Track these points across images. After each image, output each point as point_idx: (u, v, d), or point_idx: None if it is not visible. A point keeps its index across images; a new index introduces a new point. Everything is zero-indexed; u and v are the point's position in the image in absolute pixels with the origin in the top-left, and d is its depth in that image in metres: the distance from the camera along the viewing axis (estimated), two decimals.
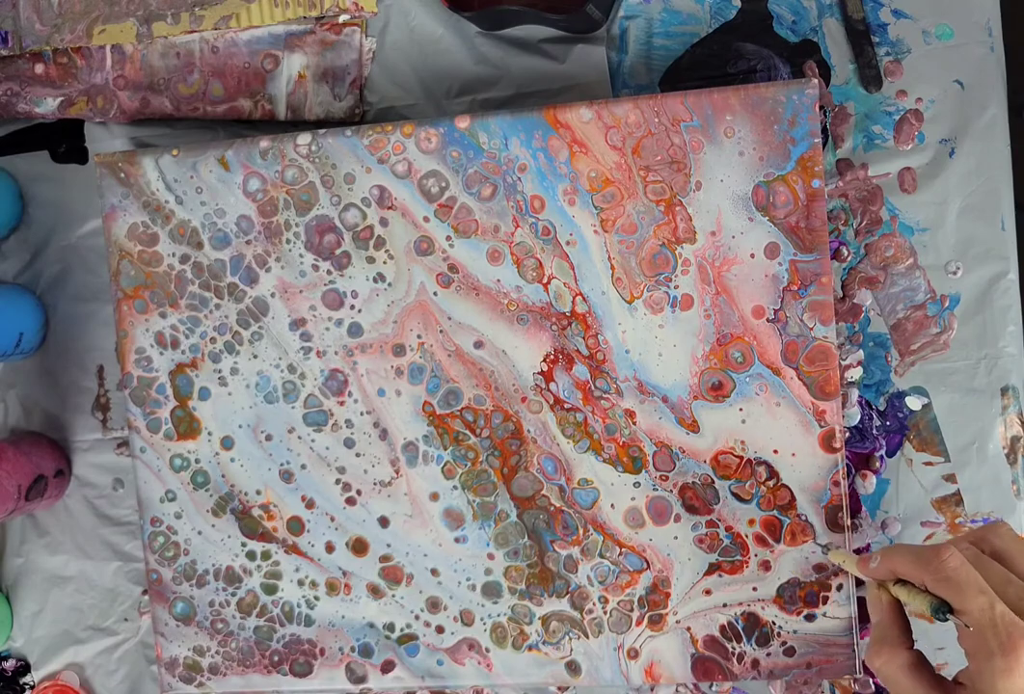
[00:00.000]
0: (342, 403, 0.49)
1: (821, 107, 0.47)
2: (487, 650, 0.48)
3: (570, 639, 0.47)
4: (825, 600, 0.45)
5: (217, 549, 0.50)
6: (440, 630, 0.48)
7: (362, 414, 0.48)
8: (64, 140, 0.56)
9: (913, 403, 0.47)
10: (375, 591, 0.49)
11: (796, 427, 0.45)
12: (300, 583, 0.49)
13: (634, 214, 0.45)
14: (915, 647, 0.38)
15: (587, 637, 0.47)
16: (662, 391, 0.46)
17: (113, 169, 0.50)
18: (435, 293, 0.47)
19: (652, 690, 0.49)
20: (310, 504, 0.49)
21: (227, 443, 0.50)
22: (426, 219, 0.47)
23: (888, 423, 0.47)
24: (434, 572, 0.48)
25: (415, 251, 0.47)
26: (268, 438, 0.49)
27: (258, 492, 0.50)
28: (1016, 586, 0.35)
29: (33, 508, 0.54)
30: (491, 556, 0.48)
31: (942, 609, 0.35)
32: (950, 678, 0.36)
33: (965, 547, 0.37)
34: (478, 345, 0.47)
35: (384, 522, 0.48)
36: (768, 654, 0.45)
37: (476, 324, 0.47)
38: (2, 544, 0.57)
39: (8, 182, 0.55)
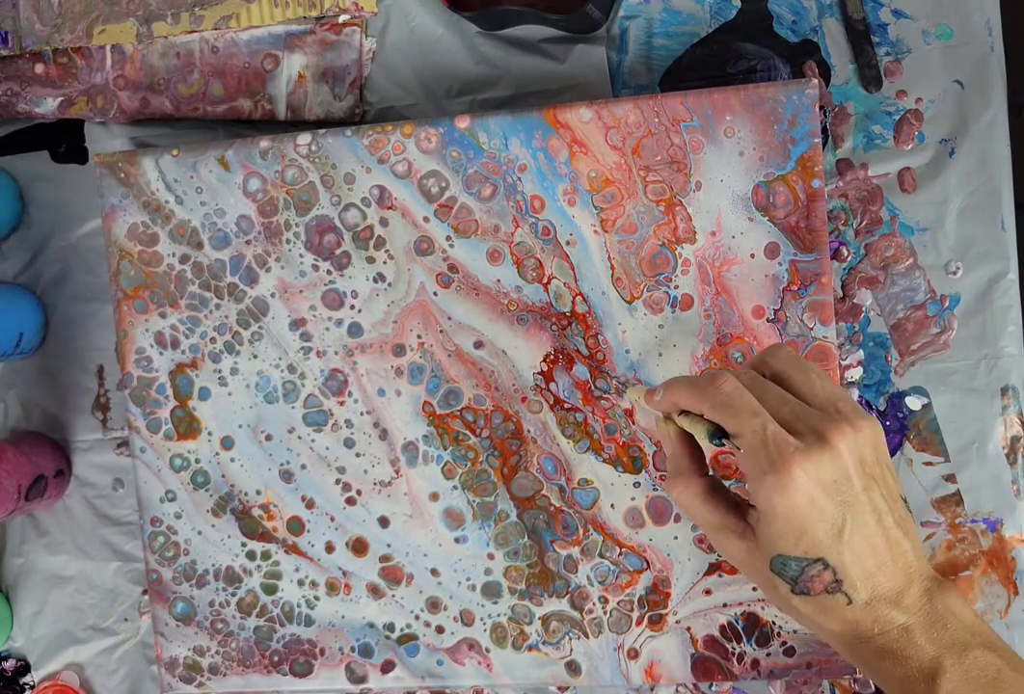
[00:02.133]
0: (342, 403, 0.49)
1: (821, 107, 0.47)
2: (487, 650, 0.48)
3: (570, 639, 0.47)
4: None
5: (217, 549, 0.50)
6: (440, 630, 0.48)
7: (362, 414, 0.48)
8: (64, 140, 0.56)
9: (913, 403, 0.47)
10: (375, 591, 0.49)
11: None
12: (300, 583, 0.49)
13: (634, 214, 0.45)
14: (710, 474, 0.38)
15: (587, 637, 0.47)
16: None
17: (113, 169, 0.50)
18: (435, 293, 0.47)
19: (652, 690, 0.49)
20: (310, 504, 0.49)
21: (227, 443, 0.50)
22: (426, 219, 0.47)
23: (888, 423, 0.47)
24: (434, 572, 0.48)
25: (415, 251, 0.47)
26: (268, 438, 0.49)
27: (258, 492, 0.50)
28: (792, 405, 0.35)
29: (33, 508, 0.54)
30: (491, 556, 0.48)
31: (717, 434, 0.35)
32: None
33: (743, 372, 0.37)
34: (478, 345, 0.47)
35: (384, 522, 0.48)
36: (768, 654, 0.45)
37: (476, 324, 0.47)
38: (2, 544, 0.57)
39: (8, 182, 0.55)
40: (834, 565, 0.34)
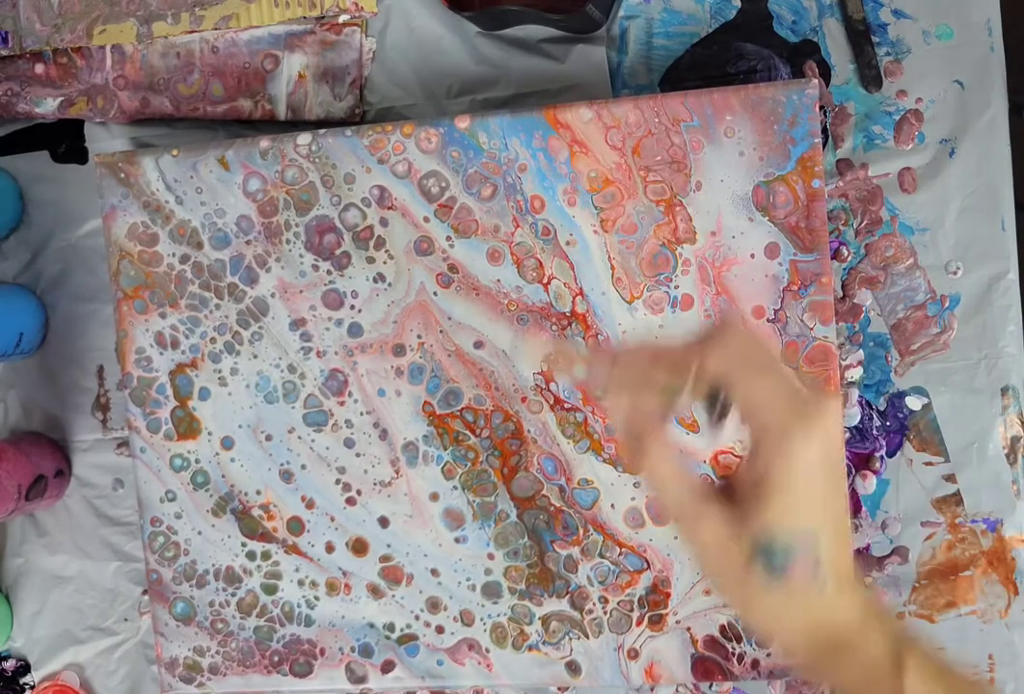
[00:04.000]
0: (342, 403, 0.49)
1: (821, 107, 0.47)
2: (487, 650, 0.48)
3: (570, 639, 0.47)
4: None
5: (217, 549, 0.50)
6: (440, 630, 0.48)
7: (362, 414, 0.48)
8: (64, 140, 0.56)
9: (913, 403, 0.47)
10: (375, 591, 0.49)
11: None
12: (300, 583, 0.49)
13: (634, 214, 0.45)
14: None
15: (587, 637, 0.47)
16: None
17: (113, 169, 0.50)
18: (435, 293, 0.47)
19: (652, 690, 0.49)
20: (310, 504, 0.49)
21: (227, 443, 0.50)
22: (426, 219, 0.47)
23: (888, 423, 0.47)
24: (434, 572, 0.48)
25: (415, 251, 0.47)
26: (268, 438, 0.49)
27: (258, 492, 0.50)
28: None
29: (33, 508, 0.54)
30: (491, 556, 0.48)
31: None
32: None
33: None
34: (478, 345, 0.47)
35: (384, 522, 0.48)
36: (768, 654, 0.45)
37: (476, 324, 0.47)
38: (2, 544, 0.57)
39: (8, 182, 0.55)
40: None
